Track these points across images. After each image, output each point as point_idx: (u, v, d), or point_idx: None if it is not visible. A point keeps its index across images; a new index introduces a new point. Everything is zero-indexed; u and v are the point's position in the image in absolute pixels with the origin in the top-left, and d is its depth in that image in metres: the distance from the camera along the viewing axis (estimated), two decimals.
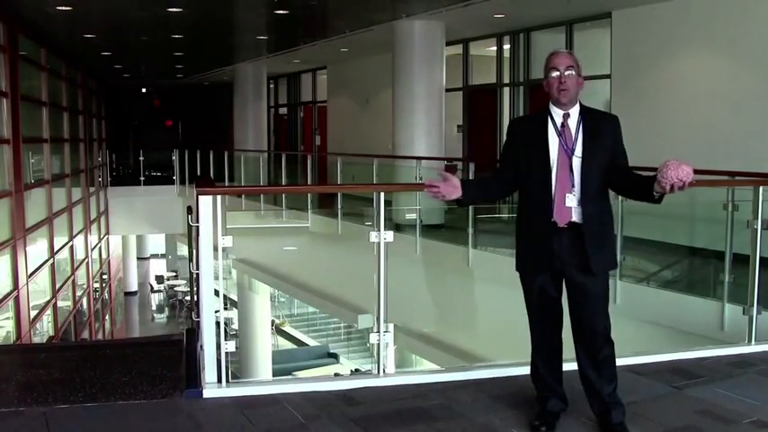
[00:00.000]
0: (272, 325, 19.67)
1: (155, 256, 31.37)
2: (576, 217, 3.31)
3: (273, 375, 15.11)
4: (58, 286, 13.23)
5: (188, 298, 20.43)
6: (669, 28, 9.68)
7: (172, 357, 4.56)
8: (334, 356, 18.84)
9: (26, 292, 10.89)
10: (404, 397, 3.90)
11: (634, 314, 6.47)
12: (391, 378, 4.20)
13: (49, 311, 12.62)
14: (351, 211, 10.63)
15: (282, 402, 3.79)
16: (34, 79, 12.75)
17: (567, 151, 3.32)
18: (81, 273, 15.72)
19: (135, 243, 27.08)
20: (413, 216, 9.23)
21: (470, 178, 9.39)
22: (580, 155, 3.31)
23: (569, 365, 3.49)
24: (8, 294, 10.19)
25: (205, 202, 3.98)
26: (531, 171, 3.37)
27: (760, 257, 4.97)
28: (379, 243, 4.23)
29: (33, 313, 11.51)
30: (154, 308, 26.25)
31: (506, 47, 12.90)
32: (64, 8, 10.38)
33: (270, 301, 17.19)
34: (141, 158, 19.57)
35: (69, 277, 14.44)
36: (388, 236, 4.25)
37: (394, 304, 4.34)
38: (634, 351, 4.62)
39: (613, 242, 3.72)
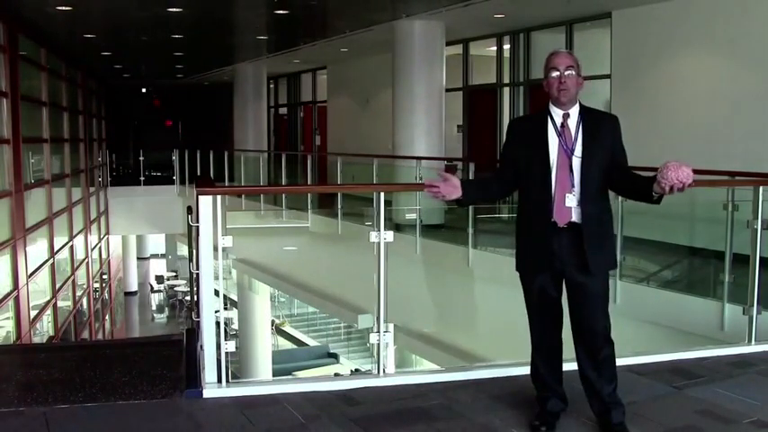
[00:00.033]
0: (272, 325, 19.67)
1: (155, 256, 31.37)
2: (575, 217, 3.31)
3: (273, 375, 15.11)
4: (57, 286, 13.23)
5: (188, 298, 20.43)
6: (669, 28, 9.68)
7: (172, 357, 4.56)
8: (334, 356, 18.84)
9: (26, 292, 10.89)
10: (404, 397, 3.90)
11: (634, 314, 6.47)
12: (391, 378, 4.19)
13: (48, 311, 12.62)
14: (351, 211, 10.63)
15: (282, 402, 3.79)
16: (34, 79, 12.75)
17: (566, 151, 3.32)
18: (81, 273, 15.72)
19: (135, 243, 27.08)
20: (413, 216, 9.23)
21: (470, 178, 9.40)
22: (580, 155, 3.31)
23: (569, 365, 3.49)
24: (8, 294, 10.19)
25: (205, 202, 3.98)
26: (530, 171, 3.37)
27: (760, 257, 4.97)
28: (379, 243, 4.23)
29: (33, 313, 11.51)
30: (154, 308, 26.25)
31: (506, 47, 12.90)
32: (64, 8, 10.39)
33: (270, 301, 17.20)
34: (141, 158, 19.56)
35: (69, 277, 14.44)
36: (388, 236, 4.25)
37: (394, 304, 4.34)
38: (634, 351, 4.63)
39: (613, 242, 3.72)
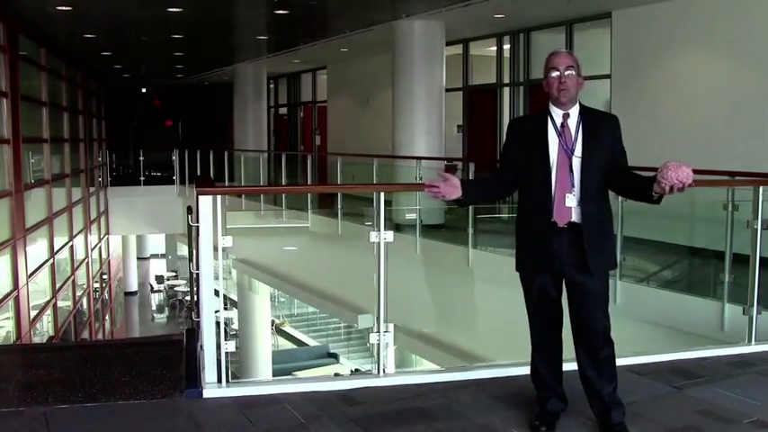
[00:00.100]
0: (272, 325, 19.67)
1: (155, 256, 31.38)
2: (575, 217, 3.31)
3: (273, 375, 15.11)
4: (57, 286, 13.23)
5: (188, 298, 20.43)
6: (669, 28, 9.68)
7: (172, 357, 4.56)
8: (334, 356, 18.84)
9: (26, 292, 10.89)
10: (404, 397, 3.90)
11: (634, 314, 6.47)
12: (391, 378, 4.20)
13: (49, 311, 12.62)
14: (351, 211, 10.63)
15: (282, 402, 3.79)
16: (34, 79, 12.75)
17: (566, 151, 3.32)
18: (81, 273, 15.72)
19: (135, 243, 27.08)
20: (413, 216, 9.23)
21: (470, 178, 9.40)
22: (580, 155, 3.31)
23: (569, 365, 3.49)
24: (8, 294, 10.19)
25: (205, 202, 3.98)
26: (530, 171, 3.37)
27: (760, 257, 4.97)
28: (379, 243, 4.23)
29: (33, 313, 11.51)
30: (154, 308, 26.25)
31: (506, 47, 12.90)
32: (64, 8, 10.39)
33: (270, 301, 17.19)
34: (141, 158, 19.57)
35: (69, 277, 14.44)
36: (388, 236, 4.25)
37: (394, 304, 4.34)
38: (634, 351, 4.63)
39: (613, 242, 3.72)
